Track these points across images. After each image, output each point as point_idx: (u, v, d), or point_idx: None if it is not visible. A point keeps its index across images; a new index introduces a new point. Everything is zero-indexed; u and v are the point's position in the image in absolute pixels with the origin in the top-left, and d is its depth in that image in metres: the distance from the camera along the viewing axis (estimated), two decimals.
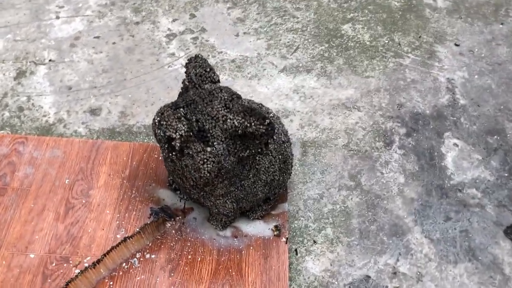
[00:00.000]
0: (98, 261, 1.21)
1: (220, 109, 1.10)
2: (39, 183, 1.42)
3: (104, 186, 1.43)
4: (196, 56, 1.19)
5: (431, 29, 2.04)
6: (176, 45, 1.87)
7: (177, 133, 1.06)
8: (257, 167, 1.24)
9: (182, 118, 1.07)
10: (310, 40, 1.95)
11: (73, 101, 1.66)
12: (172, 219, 1.37)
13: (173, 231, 1.35)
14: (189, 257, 1.30)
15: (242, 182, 1.24)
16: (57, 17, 1.93)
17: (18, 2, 1.98)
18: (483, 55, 1.96)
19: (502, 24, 2.10)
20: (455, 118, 1.73)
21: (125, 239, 1.25)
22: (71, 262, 1.27)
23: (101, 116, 1.63)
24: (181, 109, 1.09)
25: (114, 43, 1.86)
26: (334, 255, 1.37)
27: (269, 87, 1.76)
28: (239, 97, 1.13)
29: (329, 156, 1.59)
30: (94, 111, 1.64)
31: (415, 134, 1.67)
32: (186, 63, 1.19)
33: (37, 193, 1.39)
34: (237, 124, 1.08)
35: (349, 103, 1.75)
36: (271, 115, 1.28)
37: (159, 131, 1.12)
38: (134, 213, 1.37)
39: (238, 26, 1.97)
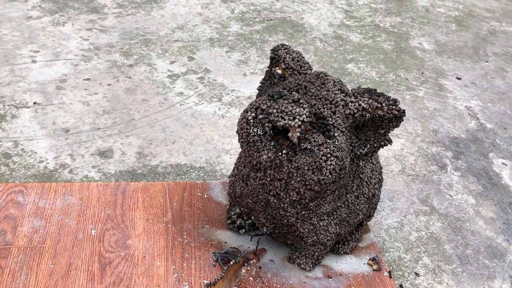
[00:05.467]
0: None
1: (337, 92, 0.89)
2: (55, 237, 1.04)
3: (144, 234, 1.08)
4: (282, 44, 0.98)
5: (429, 67, 2.03)
6: (182, 84, 1.64)
7: (296, 120, 0.82)
8: (360, 176, 1.00)
9: (302, 101, 0.83)
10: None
11: (74, 144, 1.32)
12: (246, 264, 1.05)
13: (251, 278, 1.03)
14: None
15: (347, 196, 0.99)
16: (34, 61, 1.62)
17: None
18: (485, 86, 1.97)
19: (487, 62, 2.16)
20: (491, 140, 1.65)
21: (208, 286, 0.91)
22: None
23: (114, 158, 1.30)
24: (294, 93, 0.86)
25: (109, 84, 1.58)
26: (444, 286, 1.12)
27: None
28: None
29: (390, 182, 1.39)
30: (104, 153, 1.31)
31: (463, 157, 1.54)
32: (273, 51, 0.97)
33: (56, 250, 1.01)
34: (365, 106, 0.86)
35: None
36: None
37: (255, 129, 0.86)
38: (194, 261, 1.04)
39: (242, 67, 1.80)
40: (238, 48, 1.91)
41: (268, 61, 1.87)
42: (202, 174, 1.30)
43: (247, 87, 1.69)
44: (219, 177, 1.30)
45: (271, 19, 2.18)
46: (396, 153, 1.51)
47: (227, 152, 1.38)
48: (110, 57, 1.72)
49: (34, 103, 1.43)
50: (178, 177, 1.27)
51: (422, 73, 1.98)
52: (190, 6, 2.17)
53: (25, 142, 1.30)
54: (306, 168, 0.86)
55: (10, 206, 1.09)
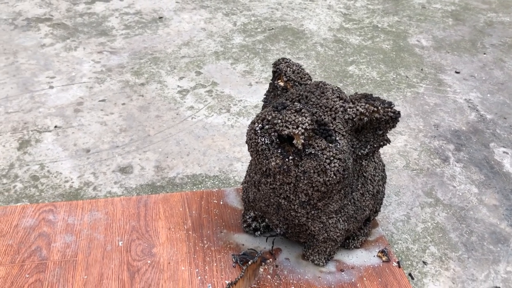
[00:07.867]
0: None
1: (335, 99, 0.96)
2: (86, 251, 1.13)
3: (168, 242, 1.16)
4: (282, 58, 1.06)
5: (428, 63, 2.10)
6: (192, 99, 1.72)
7: (300, 128, 0.90)
8: (364, 174, 1.08)
9: (303, 110, 0.91)
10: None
11: (96, 163, 1.41)
12: (264, 263, 1.13)
13: (269, 277, 1.11)
14: None
15: (353, 194, 1.06)
16: (51, 87, 1.72)
17: (2, 78, 1.75)
18: (484, 78, 2.03)
19: (485, 53, 2.22)
20: (491, 130, 1.71)
21: (229, 286, 0.99)
22: None
23: (134, 173, 1.39)
24: (296, 103, 0.94)
25: (123, 104, 1.67)
26: (451, 272, 1.19)
27: None
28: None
29: (395, 178, 1.46)
30: (124, 170, 1.40)
31: (464, 148, 1.61)
32: (275, 65, 1.06)
33: (87, 262, 1.10)
34: (362, 110, 0.94)
35: None
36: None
37: (263, 138, 0.94)
38: (215, 264, 1.12)
39: (247, 78, 1.89)
40: (242, 59, 2.00)
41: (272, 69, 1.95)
42: (217, 183, 1.38)
43: (253, 97, 1.77)
44: (232, 184, 1.38)
45: (272, 28, 2.27)
46: (400, 150, 1.58)
47: (238, 160, 1.47)
48: (122, 78, 1.81)
49: (55, 126, 1.53)
50: (194, 187, 1.36)
51: (422, 69, 2.05)
52: (194, 22, 2.26)
53: (50, 164, 1.39)
54: (312, 171, 0.93)
55: (42, 224, 1.18)
